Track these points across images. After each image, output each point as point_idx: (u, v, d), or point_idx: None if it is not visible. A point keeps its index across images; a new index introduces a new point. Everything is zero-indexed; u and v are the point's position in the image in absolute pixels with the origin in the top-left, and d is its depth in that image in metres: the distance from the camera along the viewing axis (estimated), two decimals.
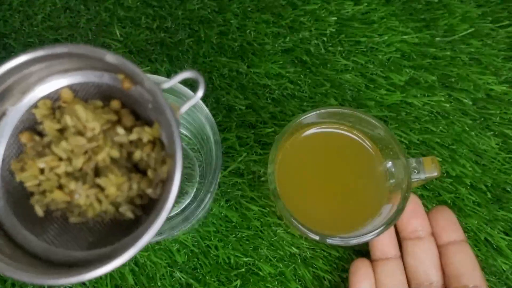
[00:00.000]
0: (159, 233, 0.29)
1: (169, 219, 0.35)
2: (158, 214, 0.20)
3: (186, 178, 0.37)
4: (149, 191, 0.22)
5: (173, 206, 0.20)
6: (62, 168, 0.22)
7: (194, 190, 0.36)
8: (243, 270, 0.34)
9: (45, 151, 0.22)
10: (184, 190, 0.36)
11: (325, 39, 0.41)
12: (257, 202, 0.36)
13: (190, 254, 0.35)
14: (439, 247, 0.32)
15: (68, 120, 0.22)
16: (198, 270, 0.34)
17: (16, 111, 0.23)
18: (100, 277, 0.34)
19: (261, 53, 0.41)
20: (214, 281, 0.34)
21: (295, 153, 0.33)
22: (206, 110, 0.30)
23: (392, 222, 0.30)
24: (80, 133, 0.22)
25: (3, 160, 0.23)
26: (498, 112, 0.39)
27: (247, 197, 0.36)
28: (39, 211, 0.23)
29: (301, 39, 0.41)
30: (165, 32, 0.41)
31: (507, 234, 0.35)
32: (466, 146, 0.38)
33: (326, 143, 0.34)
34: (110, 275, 0.34)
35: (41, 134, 0.23)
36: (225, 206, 0.36)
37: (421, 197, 0.36)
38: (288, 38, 0.41)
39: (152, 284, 0.34)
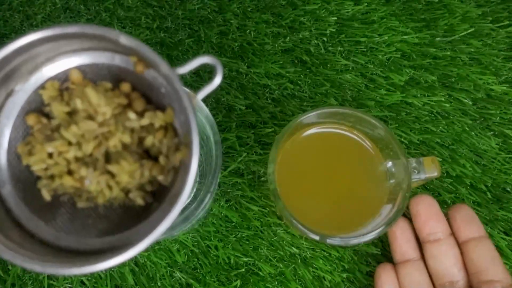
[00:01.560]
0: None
1: None
2: (174, 204, 0.19)
3: None
4: (161, 178, 0.22)
5: (190, 195, 0.19)
6: (71, 153, 0.21)
7: (194, 190, 0.36)
8: (243, 270, 0.34)
9: (54, 135, 0.21)
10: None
11: (325, 39, 0.41)
12: (257, 202, 0.36)
13: (190, 254, 0.34)
14: (460, 244, 0.31)
15: (78, 103, 0.21)
16: (198, 270, 0.34)
17: (23, 91, 0.22)
18: (106, 271, 0.34)
19: (261, 53, 0.41)
20: (214, 281, 0.34)
21: (295, 153, 0.33)
22: (206, 110, 0.30)
23: (392, 222, 0.30)
24: (90, 117, 0.21)
25: (9, 142, 0.22)
26: (498, 112, 0.39)
27: (247, 197, 0.36)
28: (46, 195, 0.22)
29: (301, 39, 0.41)
30: (165, 32, 0.41)
31: (507, 234, 0.35)
32: (466, 146, 0.38)
33: (326, 143, 0.34)
34: (110, 275, 0.33)
35: (48, 116, 0.22)
36: (225, 206, 0.36)
37: None
38: (288, 38, 0.41)
39: (152, 284, 0.34)
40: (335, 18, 0.42)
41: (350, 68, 0.40)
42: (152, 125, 0.22)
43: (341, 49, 0.41)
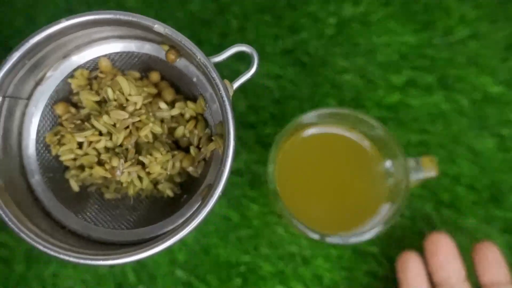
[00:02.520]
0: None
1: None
2: (209, 196, 0.19)
3: None
4: (191, 169, 0.21)
5: (225, 186, 0.19)
6: (102, 143, 0.21)
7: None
8: (244, 268, 0.35)
9: (83, 124, 0.21)
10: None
11: (324, 40, 0.42)
12: (257, 201, 0.36)
13: (191, 252, 0.35)
14: (481, 286, 0.30)
15: (109, 93, 0.21)
16: (199, 269, 0.35)
17: (52, 79, 0.22)
18: (109, 269, 0.34)
19: (261, 54, 0.41)
20: (215, 280, 0.34)
21: (295, 153, 0.34)
22: None
23: (391, 221, 0.30)
24: (121, 106, 0.21)
25: (38, 132, 0.22)
26: (495, 113, 0.39)
27: (247, 196, 0.36)
28: (75, 186, 0.22)
29: (301, 40, 0.42)
30: None
31: (504, 233, 0.36)
32: (463, 146, 0.38)
33: (325, 143, 0.34)
34: (112, 273, 0.34)
35: (76, 106, 0.22)
36: (226, 205, 0.36)
37: (419, 196, 0.37)
38: (288, 39, 0.41)
39: (153, 282, 0.34)
40: (335, 19, 0.42)
41: (349, 69, 0.41)
42: (182, 115, 0.22)
43: (340, 50, 0.41)
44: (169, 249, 0.35)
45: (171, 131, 0.22)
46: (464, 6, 0.43)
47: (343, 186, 0.34)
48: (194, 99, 0.22)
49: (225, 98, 0.20)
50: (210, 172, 0.21)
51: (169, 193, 0.22)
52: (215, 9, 0.43)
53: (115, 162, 0.21)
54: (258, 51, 0.41)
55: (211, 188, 0.20)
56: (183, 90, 0.23)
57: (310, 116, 0.32)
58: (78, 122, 0.21)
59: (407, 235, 0.36)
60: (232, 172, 0.37)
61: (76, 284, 0.34)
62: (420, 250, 0.35)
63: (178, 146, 0.23)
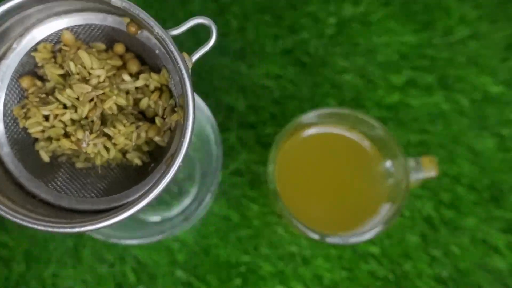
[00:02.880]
0: (160, 231, 0.29)
1: (170, 218, 0.36)
2: (172, 167, 0.20)
3: (187, 178, 0.37)
4: (157, 139, 0.22)
5: (185, 155, 0.20)
6: (67, 115, 0.21)
7: (195, 190, 0.37)
8: (244, 268, 0.35)
9: (49, 97, 0.21)
10: (185, 190, 0.37)
11: (324, 40, 0.42)
12: (257, 201, 0.36)
13: (191, 253, 0.35)
14: None
15: (72, 66, 0.21)
16: (199, 269, 0.35)
17: (16, 54, 0.22)
18: (107, 271, 0.34)
19: (261, 54, 0.41)
20: (215, 280, 0.34)
21: (295, 153, 0.34)
22: (207, 110, 0.30)
23: (391, 221, 0.30)
24: (84, 80, 0.21)
25: (5, 105, 0.22)
26: (495, 112, 0.39)
27: (247, 196, 0.36)
28: (45, 156, 0.22)
29: (301, 40, 0.42)
30: None
31: (504, 233, 0.36)
32: (463, 146, 0.38)
33: (325, 143, 0.34)
34: (112, 273, 0.34)
35: (42, 79, 0.23)
36: (226, 205, 0.36)
37: (419, 196, 0.37)
38: (288, 39, 0.41)
39: (154, 282, 0.34)
40: (335, 19, 0.42)
41: (349, 69, 0.41)
42: (147, 86, 0.22)
43: (340, 50, 0.41)
44: (169, 250, 0.35)
45: (137, 102, 0.23)
46: (464, 6, 0.43)
47: (343, 186, 0.34)
48: (158, 71, 0.22)
49: (184, 71, 0.20)
50: (175, 142, 0.22)
51: (138, 161, 0.23)
52: (215, 9, 0.43)
53: (80, 134, 0.21)
54: (258, 51, 0.42)
55: (173, 157, 0.20)
56: (148, 62, 0.23)
57: (310, 116, 0.32)
58: (43, 95, 0.22)
59: (407, 235, 0.36)
60: (232, 172, 0.37)
61: (76, 284, 0.34)
62: (420, 250, 0.35)
63: (145, 117, 0.23)
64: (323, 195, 0.33)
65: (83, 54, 0.21)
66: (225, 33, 0.42)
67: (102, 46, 0.23)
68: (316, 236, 0.30)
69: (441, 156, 0.38)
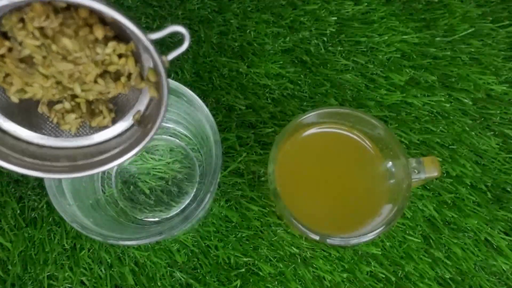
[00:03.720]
0: (159, 232, 0.29)
1: (168, 219, 0.35)
2: (151, 127, 0.24)
3: (186, 178, 0.37)
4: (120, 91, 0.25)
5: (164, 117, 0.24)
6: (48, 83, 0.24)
7: (194, 190, 0.36)
8: (243, 270, 0.34)
9: (31, 69, 0.24)
10: (184, 190, 0.36)
11: (325, 39, 0.41)
12: (257, 202, 0.36)
13: (190, 254, 0.35)
14: None
15: (54, 48, 0.23)
16: (198, 270, 0.34)
17: None
18: (106, 272, 0.34)
19: (261, 53, 0.41)
20: (214, 281, 0.34)
21: (295, 153, 0.33)
22: (206, 110, 0.30)
23: (392, 222, 0.30)
24: (64, 57, 0.23)
25: None
26: (498, 112, 0.39)
27: (247, 197, 0.36)
28: (14, 99, 0.25)
29: (301, 39, 0.41)
30: None
31: (507, 234, 0.35)
32: (466, 146, 0.38)
33: (326, 143, 0.34)
34: (110, 275, 0.34)
35: (6, 36, 0.23)
36: (225, 206, 0.36)
37: (421, 197, 0.36)
38: (288, 38, 0.41)
39: (152, 284, 0.34)
40: (335, 18, 0.42)
41: (350, 68, 0.40)
42: (115, 51, 0.24)
43: (341, 49, 0.41)
44: (167, 251, 0.34)
45: (106, 66, 0.25)
46: (467, 4, 0.43)
47: (344, 186, 0.33)
48: (124, 40, 0.25)
49: (159, 67, 0.23)
50: (141, 100, 0.26)
51: (104, 111, 0.26)
52: (214, 7, 0.42)
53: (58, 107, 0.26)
54: (258, 49, 0.41)
55: (145, 119, 0.25)
56: (114, 28, 0.25)
57: (310, 116, 0.32)
58: (23, 66, 0.24)
59: (408, 237, 0.35)
60: (232, 172, 0.37)
61: (73, 286, 0.33)
62: (422, 251, 0.35)
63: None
64: (323, 195, 0.33)
65: (66, 42, 0.23)
66: (225, 31, 0.41)
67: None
68: (316, 237, 0.30)
69: (443, 156, 0.37)
